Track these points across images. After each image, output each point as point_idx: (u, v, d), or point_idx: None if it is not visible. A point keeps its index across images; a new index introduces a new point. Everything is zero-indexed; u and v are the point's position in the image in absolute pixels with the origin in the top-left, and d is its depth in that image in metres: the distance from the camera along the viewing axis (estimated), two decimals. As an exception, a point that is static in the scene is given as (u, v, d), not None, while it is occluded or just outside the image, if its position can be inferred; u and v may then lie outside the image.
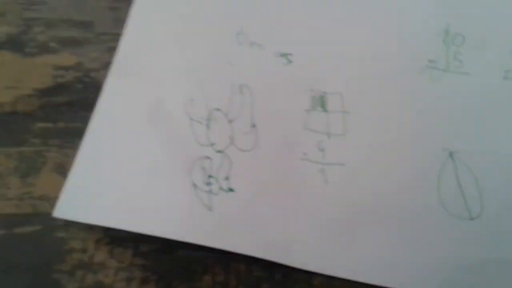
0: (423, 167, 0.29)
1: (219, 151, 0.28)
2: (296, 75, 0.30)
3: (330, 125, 0.29)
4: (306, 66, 0.31)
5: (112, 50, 0.30)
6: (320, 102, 0.30)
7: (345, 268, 0.26)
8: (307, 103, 0.30)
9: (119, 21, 0.31)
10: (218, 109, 0.29)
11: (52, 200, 0.26)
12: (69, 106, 0.29)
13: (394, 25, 0.32)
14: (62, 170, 0.27)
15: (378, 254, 0.27)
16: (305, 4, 0.32)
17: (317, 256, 0.26)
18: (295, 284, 0.26)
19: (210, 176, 0.28)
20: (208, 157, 0.28)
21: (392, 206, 0.28)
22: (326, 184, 0.28)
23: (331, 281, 0.25)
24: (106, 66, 0.30)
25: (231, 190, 0.27)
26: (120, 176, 0.27)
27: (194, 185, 0.27)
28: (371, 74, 0.31)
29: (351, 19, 0.32)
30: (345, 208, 0.27)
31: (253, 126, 0.29)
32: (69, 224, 0.26)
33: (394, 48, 0.31)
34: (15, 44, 0.30)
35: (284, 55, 0.31)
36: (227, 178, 0.28)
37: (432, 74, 0.31)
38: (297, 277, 0.26)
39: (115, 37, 0.31)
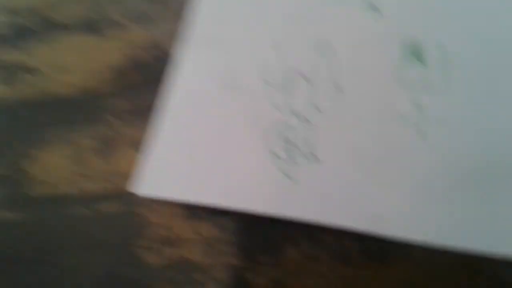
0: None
1: (301, 118, 0.25)
2: (388, 27, 0.27)
3: (428, 79, 0.25)
4: (399, 16, 0.27)
5: (184, 22, 0.29)
6: (417, 54, 0.26)
7: (448, 236, 0.22)
8: (401, 56, 0.26)
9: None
10: (299, 72, 0.26)
11: (130, 176, 0.26)
12: (143, 83, 0.28)
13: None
14: (140, 147, 0.27)
15: (487, 220, 0.22)
16: None
17: (416, 224, 0.23)
18: (394, 256, 0.23)
19: (292, 145, 0.25)
20: (289, 125, 0.25)
21: (501, 164, 0.23)
22: (425, 140, 0.24)
23: (432, 254, 0.21)
24: (178, 39, 0.29)
25: (316, 159, 0.24)
26: (198, 149, 0.25)
27: (275, 155, 0.25)
28: (474, 23, 0.26)
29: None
30: (447, 167, 0.23)
31: (338, 87, 0.26)
32: (149, 200, 0.25)
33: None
34: (88, 25, 0.30)
35: (373, 6, 0.27)
36: (311, 147, 0.25)
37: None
38: (395, 248, 0.23)
39: (186, 8, 0.29)
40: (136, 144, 0.27)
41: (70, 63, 0.29)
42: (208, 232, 0.24)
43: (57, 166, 0.27)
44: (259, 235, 0.24)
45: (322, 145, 0.25)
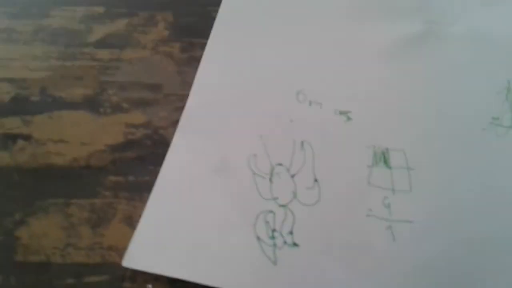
0: (495, 225, 0.28)
1: (282, 205, 0.29)
2: (356, 131, 0.32)
3: (394, 181, 0.30)
4: (366, 123, 0.32)
5: (179, 109, 0.33)
6: (383, 158, 0.31)
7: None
8: (369, 158, 0.31)
9: (186, 84, 0.34)
10: (280, 164, 0.30)
11: (120, 250, 0.28)
12: (138, 161, 0.31)
13: (456, 83, 0.33)
14: (131, 222, 0.29)
15: None
16: (362, 63, 0.34)
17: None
18: None
19: (274, 230, 0.28)
20: (271, 211, 0.29)
21: (462, 266, 0.27)
22: (394, 241, 0.28)
23: None
24: (173, 124, 0.32)
25: (295, 244, 0.28)
26: (186, 228, 0.28)
27: (259, 238, 0.28)
28: (435, 131, 0.31)
29: (410, 79, 0.34)
30: (414, 267, 0.27)
31: (316, 180, 0.30)
32: (136, 275, 0.27)
33: (457, 106, 0.32)
34: (90, 104, 0.34)
35: (343, 112, 0.32)
36: (291, 233, 0.28)
37: (497, 131, 0.32)
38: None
39: (182, 97, 0.34)
40: (129, 219, 0.29)
41: (70, 137, 0.32)
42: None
43: (49, 235, 0.29)
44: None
45: (300, 231, 0.28)
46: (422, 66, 0.34)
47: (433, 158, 0.31)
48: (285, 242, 0.28)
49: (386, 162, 0.31)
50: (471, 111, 0.32)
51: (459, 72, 0.34)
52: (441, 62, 0.35)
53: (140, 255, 0.27)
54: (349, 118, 0.32)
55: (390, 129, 0.32)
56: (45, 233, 0.29)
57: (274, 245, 0.28)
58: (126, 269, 0.27)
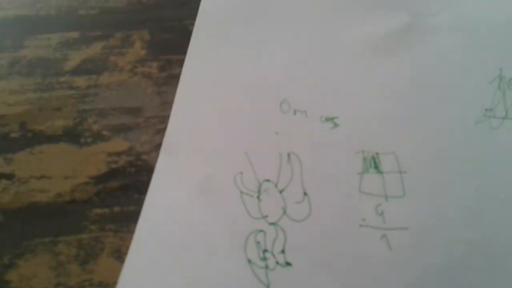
0: (495, 224, 0.28)
1: (272, 223, 0.29)
2: (344, 138, 0.31)
3: (386, 186, 0.30)
4: (354, 128, 0.32)
5: (161, 132, 0.33)
6: (373, 163, 0.30)
7: None
8: (359, 165, 0.30)
9: (166, 104, 0.34)
10: (268, 180, 0.30)
11: (110, 286, 0.28)
12: (123, 190, 0.31)
13: (446, 76, 0.33)
14: (119, 255, 0.29)
15: None
16: (345, 63, 0.34)
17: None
18: None
19: (265, 251, 0.28)
20: (261, 230, 0.29)
21: (462, 273, 0.27)
22: (390, 251, 0.28)
23: None
24: (156, 148, 0.32)
25: (288, 264, 0.28)
26: (175, 257, 0.28)
27: (249, 261, 0.28)
28: (425, 131, 0.31)
29: (396, 77, 0.33)
30: (414, 276, 0.27)
31: (305, 194, 0.30)
32: (128, 311, 0.27)
33: (446, 102, 0.32)
34: (71, 136, 0.34)
35: (329, 119, 0.32)
36: (283, 252, 0.28)
37: (491, 123, 0.31)
38: None
39: (163, 119, 0.34)
40: (117, 252, 0.29)
41: (53, 172, 0.32)
42: None
43: (38, 276, 0.29)
44: None
45: (292, 249, 0.28)
46: (408, 61, 0.34)
47: (426, 158, 0.30)
48: (277, 263, 0.28)
49: (377, 167, 0.30)
50: (463, 104, 0.32)
51: (448, 64, 0.34)
52: (428, 55, 0.34)
53: (130, 290, 0.27)
54: (336, 125, 0.32)
55: (378, 132, 0.31)
56: (35, 274, 0.29)
57: (266, 267, 0.28)
58: (118, 305, 0.27)
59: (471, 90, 0.32)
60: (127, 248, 0.29)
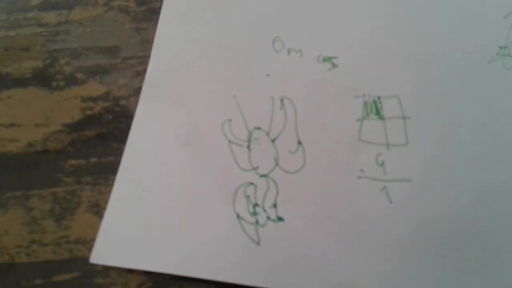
0: (505, 174, 0.26)
1: (263, 175, 0.27)
2: (343, 80, 0.29)
3: (388, 134, 0.27)
4: (354, 69, 0.29)
5: (140, 74, 0.30)
6: (374, 108, 0.28)
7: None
8: (358, 111, 0.28)
9: (146, 43, 0.31)
10: (258, 128, 0.28)
11: (89, 243, 0.26)
12: (100, 140, 0.29)
13: (454, 13, 0.29)
14: (98, 210, 0.27)
15: (457, 284, 0.24)
16: (345, 2, 0.30)
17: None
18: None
19: (255, 205, 0.26)
20: (251, 183, 0.27)
21: (468, 223, 0.25)
22: (391, 204, 0.26)
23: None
24: (135, 92, 0.30)
25: (280, 219, 0.26)
26: (157, 213, 0.26)
27: (238, 216, 0.26)
28: (432, 71, 0.28)
29: (403, 11, 0.30)
30: (414, 231, 0.25)
31: (299, 143, 0.27)
32: (108, 269, 0.26)
33: (457, 38, 0.29)
34: (41, 79, 0.31)
35: (327, 59, 0.29)
36: (274, 206, 0.26)
37: (505, 62, 0.28)
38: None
39: (143, 59, 0.31)
40: (95, 207, 0.27)
41: (23, 119, 0.30)
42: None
43: (10, 233, 0.27)
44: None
45: (285, 203, 0.26)
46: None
47: (432, 102, 0.28)
48: (268, 218, 0.26)
49: (378, 112, 0.28)
50: (474, 42, 0.29)
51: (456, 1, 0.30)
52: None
53: (109, 249, 0.26)
54: (334, 65, 0.29)
55: (381, 73, 0.29)
56: (7, 231, 0.27)
57: (257, 222, 0.26)
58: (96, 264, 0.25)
59: (484, 26, 0.29)
60: (106, 202, 0.27)
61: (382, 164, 0.27)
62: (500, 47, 0.29)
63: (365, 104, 0.28)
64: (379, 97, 0.28)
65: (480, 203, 0.25)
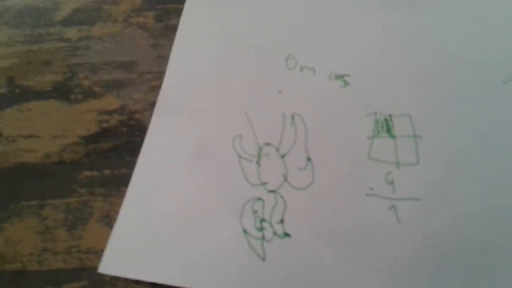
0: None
1: (271, 191, 0.27)
2: (355, 98, 0.29)
3: (399, 153, 0.27)
4: (366, 87, 0.29)
5: (155, 89, 0.31)
6: (386, 126, 0.28)
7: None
8: (369, 128, 0.28)
9: (162, 59, 0.32)
10: (269, 144, 0.28)
11: (99, 253, 0.27)
12: (114, 152, 0.30)
13: (471, 29, 0.29)
14: (109, 221, 0.28)
15: None
16: (359, 16, 0.31)
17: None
18: None
19: (262, 220, 0.26)
20: (260, 198, 0.27)
21: (478, 245, 0.25)
22: (399, 223, 0.26)
23: None
24: (150, 106, 0.31)
25: (286, 235, 0.26)
26: (166, 226, 0.27)
27: (245, 232, 0.26)
28: (445, 90, 0.28)
29: (416, 29, 0.30)
30: (423, 252, 0.25)
31: (309, 159, 0.28)
32: (116, 279, 0.26)
33: (471, 58, 0.29)
34: (61, 92, 0.32)
35: (340, 77, 0.29)
36: (281, 222, 0.26)
37: (522, 82, 0.28)
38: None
39: (159, 75, 0.32)
40: (106, 218, 0.28)
41: (41, 131, 0.31)
42: (177, 314, 0.25)
43: (24, 241, 0.28)
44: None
45: (292, 219, 0.26)
46: (429, 12, 0.31)
47: (444, 121, 0.28)
48: (275, 233, 0.26)
49: (389, 130, 0.28)
50: (490, 60, 0.29)
51: (474, 15, 0.30)
52: (451, 5, 0.31)
53: (117, 259, 0.26)
54: (346, 83, 0.29)
55: (393, 92, 0.29)
56: (21, 239, 0.28)
57: (263, 237, 0.26)
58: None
59: (500, 45, 0.29)
60: (117, 213, 0.28)
61: (392, 182, 0.27)
62: (517, 67, 0.29)
63: (376, 122, 0.28)
64: (390, 115, 0.28)
65: (489, 224, 0.25)
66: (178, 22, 0.33)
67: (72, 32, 0.34)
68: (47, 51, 0.34)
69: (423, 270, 0.25)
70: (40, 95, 0.32)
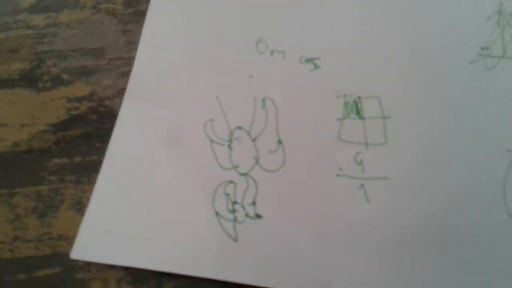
0: (484, 173, 0.27)
1: (243, 174, 0.27)
2: (325, 80, 0.29)
3: (368, 133, 0.28)
4: (336, 69, 0.29)
5: (125, 75, 0.31)
6: (355, 108, 0.28)
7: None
8: (339, 110, 0.28)
9: (132, 44, 0.32)
10: (240, 128, 0.28)
11: (71, 239, 0.27)
12: (84, 139, 0.30)
13: (437, 14, 0.30)
14: (80, 207, 0.28)
15: (435, 284, 0.25)
16: (328, 4, 0.31)
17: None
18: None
19: (234, 203, 0.27)
20: (232, 181, 0.27)
21: (447, 224, 0.25)
22: (368, 202, 0.26)
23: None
24: (120, 93, 0.31)
25: (258, 216, 0.26)
26: (138, 210, 0.27)
27: (217, 214, 0.27)
28: (413, 72, 0.29)
29: (385, 13, 0.31)
30: (391, 230, 0.26)
31: (280, 142, 0.28)
32: (89, 264, 0.27)
33: (438, 38, 0.29)
34: (28, 80, 0.32)
35: (309, 60, 0.30)
36: (253, 204, 0.27)
37: (487, 63, 0.29)
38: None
39: (128, 61, 0.31)
40: (77, 205, 0.28)
41: (9, 119, 0.30)
42: (150, 297, 0.26)
43: (-6, 230, 0.28)
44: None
45: (264, 201, 0.27)
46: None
47: (412, 102, 0.28)
48: (246, 215, 0.26)
49: (358, 112, 0.28)
50: (456, 42, 0.29)
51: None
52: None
53: (90, 245, 0.26)
54: (316, 66, 0.30)
55: (362, 74, 0.29)
56: (-10, 228, 0.28)
57: (235, 219, 0.26)
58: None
59: (466, 26, 0.30)
60: (88, 200, 0.28)
61: (361, 163, 0.27)
62: (482, 48, 0.29)
63: (346, 104, 0.29)
64: (359, 97, 0.29)
65: (459, 203, 0.26)
66: (147, 7, 0.33)
67: (39, 19, 0.34)
68: (14, 39, 0.33)
69: (394, 249, 0.25)
70: (7, 83, 0.32)
